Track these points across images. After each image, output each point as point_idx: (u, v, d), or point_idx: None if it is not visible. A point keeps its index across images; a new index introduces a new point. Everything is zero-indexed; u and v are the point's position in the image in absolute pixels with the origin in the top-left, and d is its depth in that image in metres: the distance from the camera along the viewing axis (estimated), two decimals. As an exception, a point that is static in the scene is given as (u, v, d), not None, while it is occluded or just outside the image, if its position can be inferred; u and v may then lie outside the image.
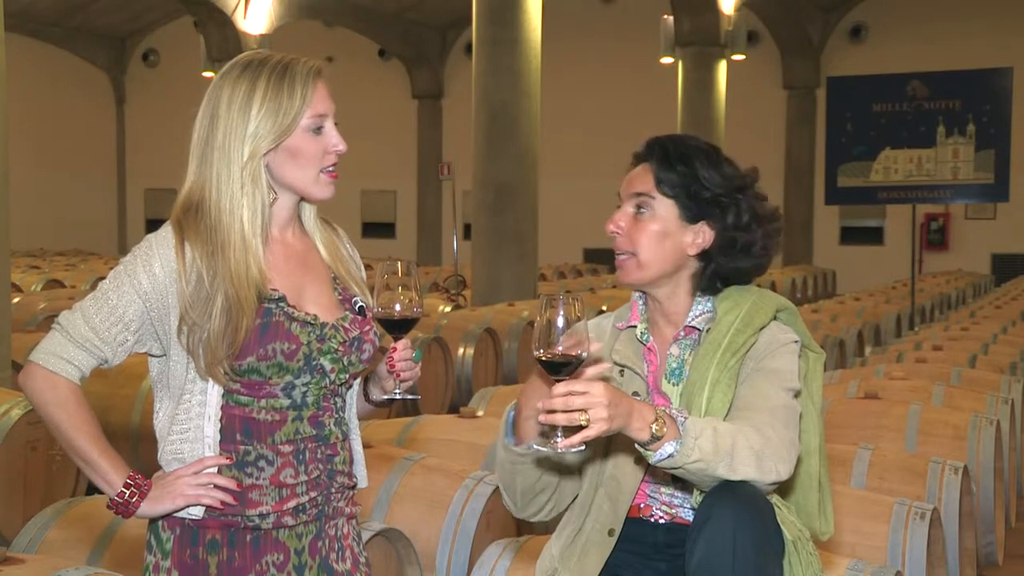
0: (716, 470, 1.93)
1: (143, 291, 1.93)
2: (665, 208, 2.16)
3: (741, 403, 2.07)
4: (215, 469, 1.94)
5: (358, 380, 2.15)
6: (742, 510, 1.94)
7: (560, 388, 1.86)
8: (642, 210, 2.17)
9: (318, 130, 1.99)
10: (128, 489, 1.93)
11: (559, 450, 1.89)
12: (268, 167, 1.98)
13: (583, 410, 1.83)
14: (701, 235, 2.16)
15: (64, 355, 1.95)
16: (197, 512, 1.95)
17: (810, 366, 2.22)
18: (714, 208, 2.15)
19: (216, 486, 1.93)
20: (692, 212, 2.15)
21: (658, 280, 2.18)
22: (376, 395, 2.15)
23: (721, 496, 1.96)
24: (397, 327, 2.06)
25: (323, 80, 2.01)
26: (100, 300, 1.95)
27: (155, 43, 27.29)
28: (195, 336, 1.91)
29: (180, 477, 1.92)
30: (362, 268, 2.19)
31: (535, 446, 1.96)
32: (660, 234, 2.15)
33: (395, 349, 2.06)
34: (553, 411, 1.85)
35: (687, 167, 2.15)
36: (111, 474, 1.93)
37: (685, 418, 1.93)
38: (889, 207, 19.26)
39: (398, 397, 2.09)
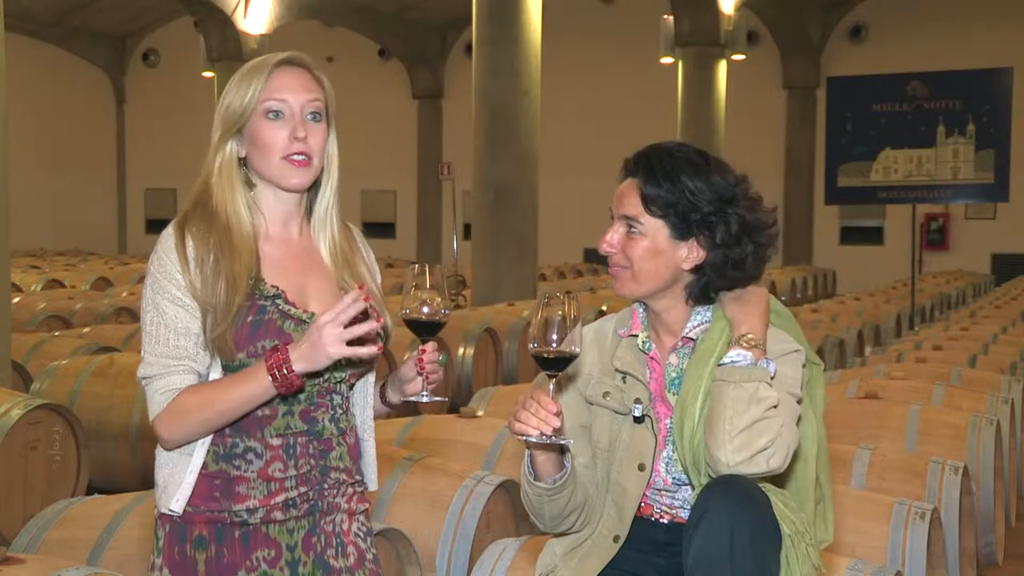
0: (741, 417, 1.98)
1: (178, 298, 1.94)
2: (655, 227, 2.14)
3: None
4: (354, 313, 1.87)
5: (371, 380, 2.15)
6: (739, 504, 1.95)
7: None
8: (633, 230, 2.16)
9: (277, 117, 2.01)
10: (273, 372, 1.88)
11: (551, 439, 1.96)
12: (249, 160, 2.04)
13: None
14: (694, 251, 2.15)
15: (161, 391, 1.94)
16: (179, 507, 1.96)
17: (812, 376, 2.22)
18: (703, 227, 2.13)
19: (357, 341, 1.87)
20: (682, 231, 2.14)
21: (653, 294, 2.18)
22: (394, 397, 2.15)
23: (717, 490, 1.97)
24: (425, 329, 2.08)
25: (299, 69, 2.04)
26: (153, 332, 1.95)
27: (155, 43, 27.29)
28: (208, 317, 1.94)
29: (323, 327, 1.85)
30: (376, 270, 2.19)
31: (527, 439, 1.98)
32: (652, 252, 2.14)
33: (424, 351, 2.07)
34: None
35: (674, 184, 2.11)
36: (253, 381, 1.89)
37: (774, 373, 2.04)
38: (889, 207, 19.27)
39: (426, 399, 2.10)
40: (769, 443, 1.99)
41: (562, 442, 2.01)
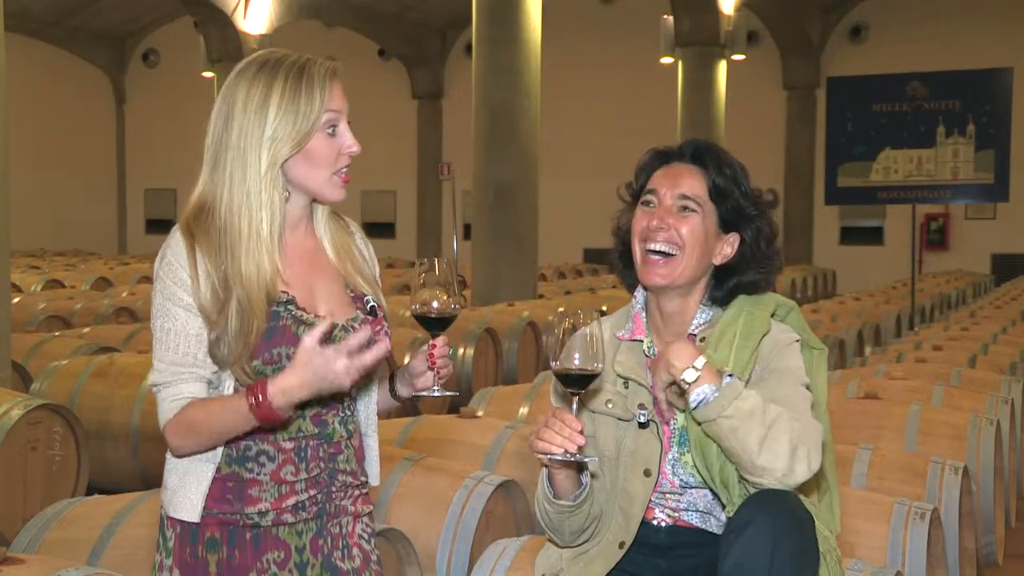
0: (747, 438, 1.94)
1: (188, 304, 1.91)
2: (710, 214, 2.17)
3: None
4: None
5: (378, 377, 2.14)
6: (784, 519, 1.93)
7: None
8: (689, 209, 2.17)
9: (332, 130, 1.97)
10: (252, 400, 1.83)
11: (575, 458, 1.96)
12: (283, 167, 1.97)
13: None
14: (729, 246, 2.18)
15: (171, 399, 1.92)
16: (195, 513, 1.95)
17: (813, 362, 2.22)
18: (751, 221, 2.18)
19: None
20: (728, 222, 2.18)
21: (685, 285, 2.18)
22: (404, 391, 2.14)
23: (763, 503, 1.95)
24: (435, 324, 2.07)
25: (339, 79, 1.99)
26: (162, 338, 1.92)
27: (155, 43, 27.30)
28: (214, 334, 1.90)
29: (333, 360, 1.80)
30: (376, 264, 2.17)
31: (551, 457, 1.98)
32: (703, 233, 2.17)
33: (434, 346, 2.06)
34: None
35: (735, 178, 2.18)
36: (235, 412, 1.85)
37: (732, 377, 1.98)
38: (889, 207, 19.26)
39: (437, 394, 2.09)
40: (796, 441, 1.95)
41: (585, 460, 2.01)
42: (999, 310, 11.27)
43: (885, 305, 12.09)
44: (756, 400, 1.97)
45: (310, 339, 1.81)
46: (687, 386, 1.98)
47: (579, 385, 1.99)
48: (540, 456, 1.98)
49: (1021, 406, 5.67)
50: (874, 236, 21.56)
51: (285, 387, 1.82)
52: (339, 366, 1.80)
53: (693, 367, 1.98)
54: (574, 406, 2.02)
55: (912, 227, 11.15)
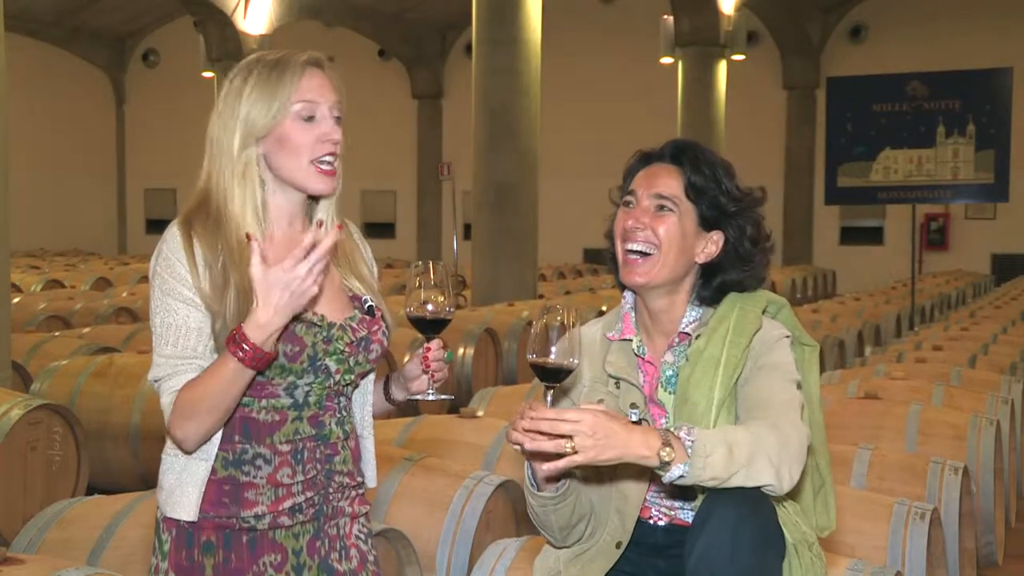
0: (731, 483, 1.92)
1: (188, 298, 1.91)
2: (687, 211, 2.17)
3: (751, 402, 2.06)
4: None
5: (372, 378, 2.14)
6: (743, 509, 1.93)
7: (550, 413, 1.87)
8: (665, 208, 2.17)
9: (310, 119, 1.96)
10: (236, 350, 1.82)
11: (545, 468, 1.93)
12: (265, 158, 1.98)
13: (569, 437, 1.84)
14: (713, 244, 2.18)
15: (170, 391, 1.91)
16: (192, 512, 1.95)
17: (805, 358, 2.22)
18: (732, 219, 2.17)
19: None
20: (710, 220, 2.17)
21: (666, 283, 2.17)
22: (399, 395, 2.14)
23: (723, 496, 1.95)
24: (430, 327, 2.07)
25: (323, 71, 2.00)
26: (162, 333, 1.92)
27: (155, 43, 27.31)
28: (219, 323, 1.91)
29: (299, 273, 1.80)
30: (373, 264, 2.17)
31: (523, 448, 1.98)
32: (680, 232, 2.16)
33: (429, 349, 2.06)
34: (538, 432, 1.85)
35: (714, 175, 2.17)
36: (226, 371, 1.84)
37: (693, 441, 1.88)
38: (889, 207, 19.27)
39: (431, 398, 2.09)
40: (776, 462, 1.93)
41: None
42: (999, 310, 11.27)
43: (885, 305, 12.09)
44: (721, 448, 1.89)
45: (256, 265, 1.81)
46: (667, 462, 1.88)
47: (553, 378, 1.99)
48: (516, 447, 1.98)
49: (1021, 406, 5.67)
50: (874, 236, 21.57)
51: (259, 322, 1.82)
52: (300, 271, 1.80)
53: (659, 455, 1.86)
54: (548, 399, 2.02)
55: (912, 227, 11.16)
